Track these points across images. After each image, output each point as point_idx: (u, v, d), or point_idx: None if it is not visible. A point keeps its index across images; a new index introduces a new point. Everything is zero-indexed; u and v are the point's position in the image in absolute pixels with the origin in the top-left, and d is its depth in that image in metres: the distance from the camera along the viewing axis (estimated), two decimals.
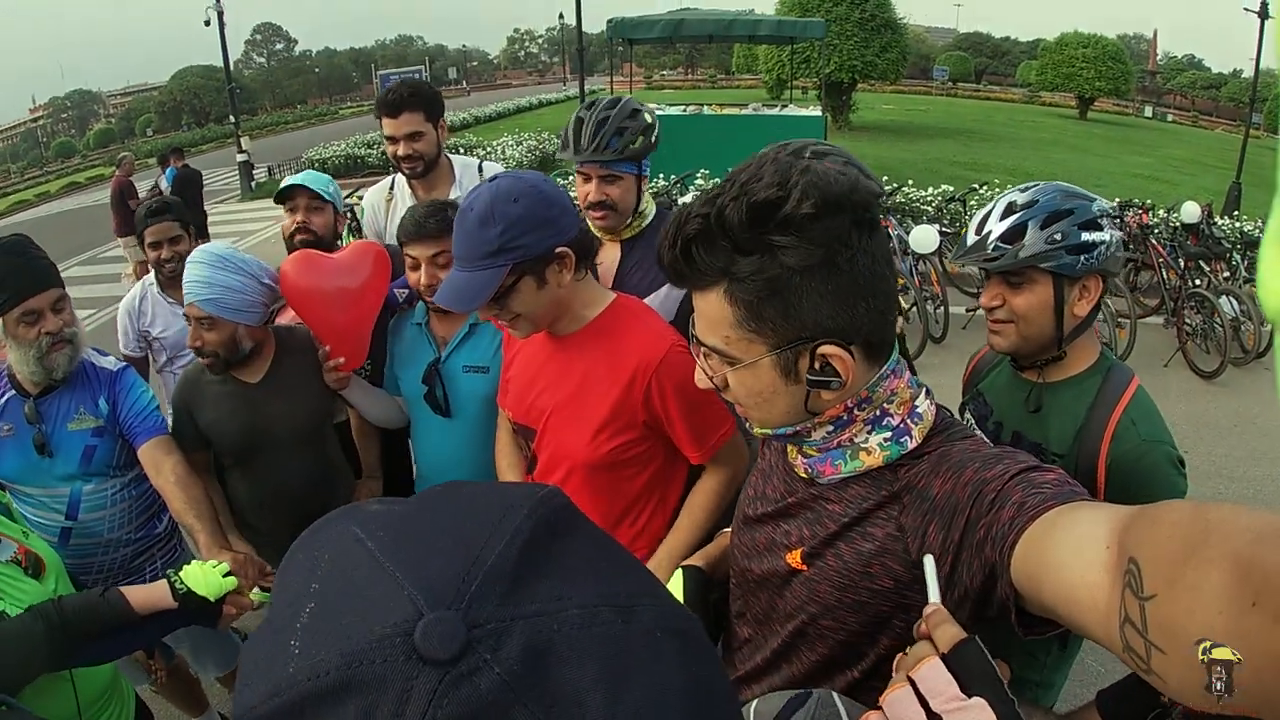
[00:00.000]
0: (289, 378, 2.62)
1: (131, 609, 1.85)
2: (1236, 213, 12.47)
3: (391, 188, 3.40)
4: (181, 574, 1.92)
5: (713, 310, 1.11)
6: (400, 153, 3.11)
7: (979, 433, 1.51)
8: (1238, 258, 8.86)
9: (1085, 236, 1.73)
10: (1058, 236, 1.74)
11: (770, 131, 16.04)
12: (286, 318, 2.87)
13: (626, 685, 0.45)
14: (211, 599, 1.91)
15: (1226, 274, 8.40)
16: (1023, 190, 1.85)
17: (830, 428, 1.17)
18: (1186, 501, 0.77)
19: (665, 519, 2.08)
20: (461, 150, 16.41)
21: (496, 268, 1.75)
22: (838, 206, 1.03)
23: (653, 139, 2.40)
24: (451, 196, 3.17)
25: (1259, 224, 9.95)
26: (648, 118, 2.39)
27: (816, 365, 1.09)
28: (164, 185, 12.42)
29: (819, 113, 17.44)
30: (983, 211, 1.89)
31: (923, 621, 0.94)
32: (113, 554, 2.58)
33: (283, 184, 3.05)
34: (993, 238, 1.82)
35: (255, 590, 2.13)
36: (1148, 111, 53.59)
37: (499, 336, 2.37)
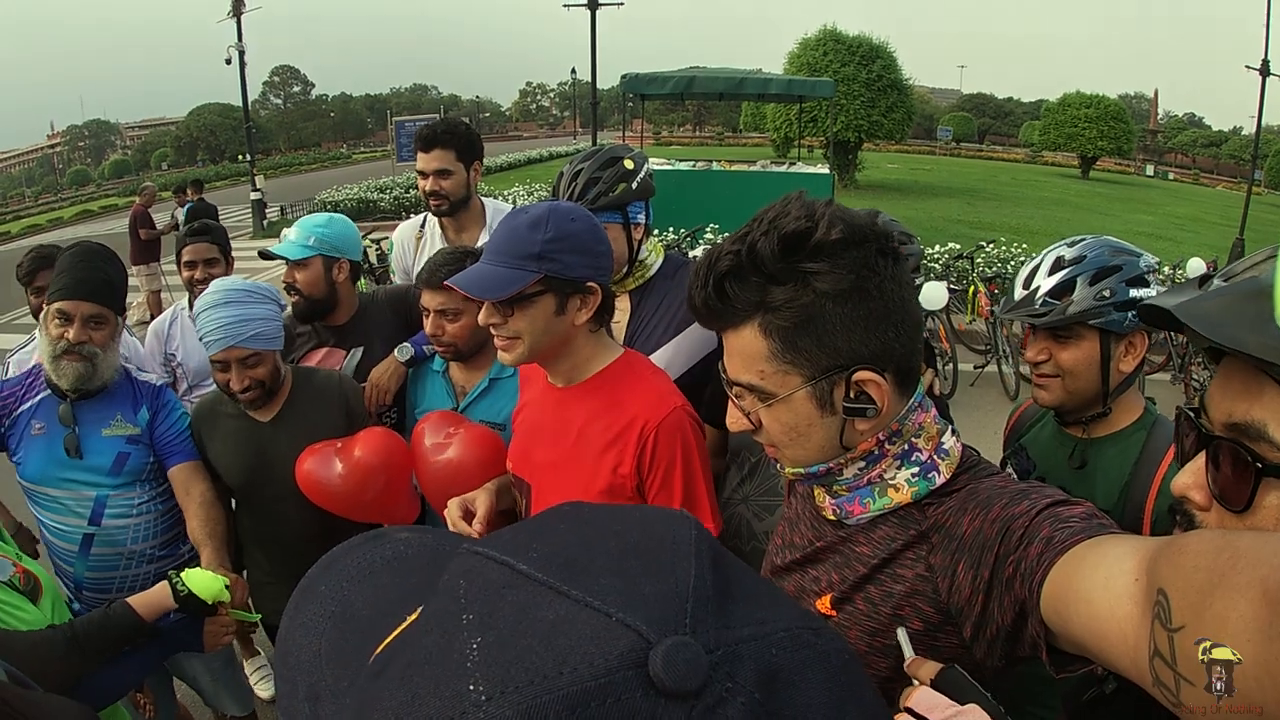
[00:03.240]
0: (302, 419, 2.56)
1: (140, 616, 1.88)
2: None
3: (423, 226, 3.41)
4: (183, 575, 1.96)
5: (747, 345, 1.13)
6: (427, 188, 3.14)
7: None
8: None
9: (1133, 293, 1.73)
10: (1106, 293, 1.73)
11: (779, 188, 15.80)
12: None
13: (846, 708, 0.43)
14: (208, 601, 1.94)
15: None
16: (1070, 245, 1.84)
17: (862, 463, 1.18)
18: (1215, 530, 0.78)
19: None
20: None
21: (529, 271, 1.70)
22: (863, 236, 1.08)
23: (635, 185, 2.28)
24: (481, 240, 3.19)
25: None
26: (628, 164, 2.29)
27: (852, 394, 1.12)
28: (180, 218, 12.44)
29: (826, 171, 17.61)
30: (1030, 265, 1.88)
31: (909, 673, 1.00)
32: (135, 569, 2.54)
33: (266, 249, 2.91)
34: (1041, 293, 1.80)
35: (237, 610, 2.14)
36: (1149, 170, 54.06)
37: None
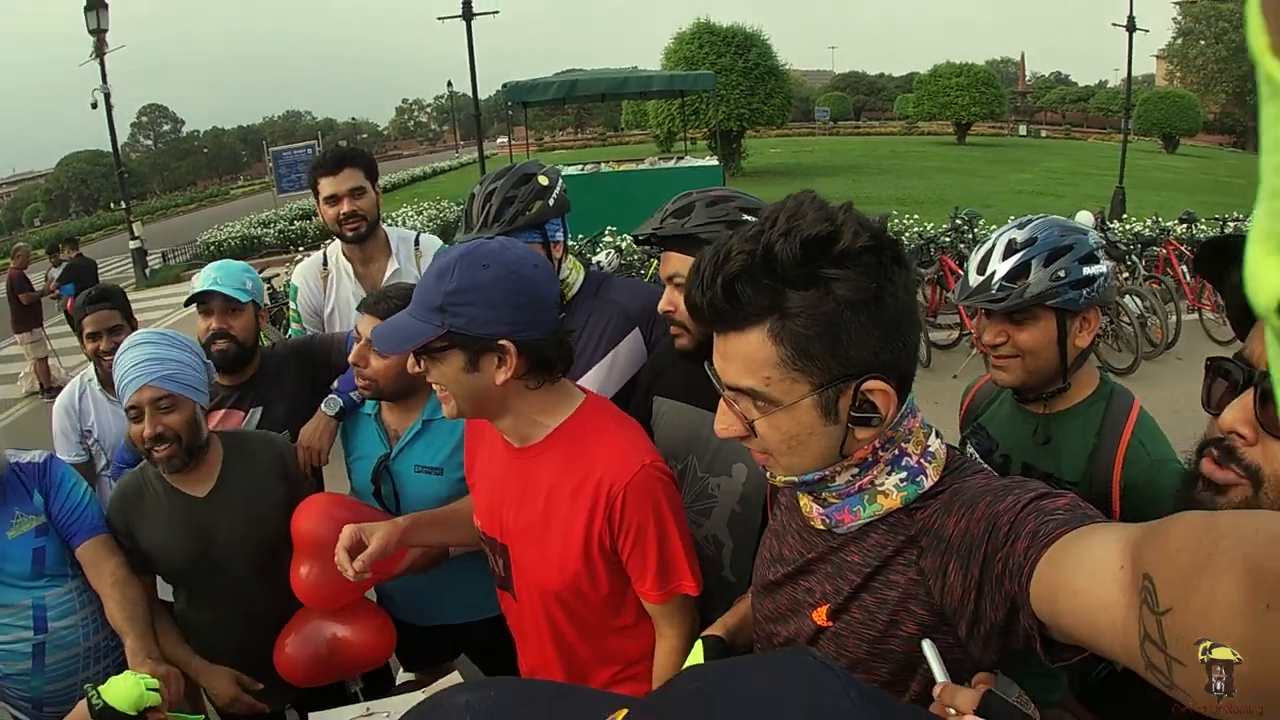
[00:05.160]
0: (241, 489, 2.34)
1: None
2: (1124, 215, 13.20)
3: (325, 263, 3.22)
4: (101, 688, 1.80)
5: (753, 350, 1.08)
6: (344, 210, 2.98)
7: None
8: (1135, 258, 9.52)
9: (1086, 270, 1.75)
10: (1061, 273, 1.75)
11: (670, 183, 16.18)
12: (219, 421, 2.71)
13: None
14: (132, 713, 1.79)
15: (1126, 274, 9.06)
16: (1019, 227, 1.86)
17: (855, 470, 1.16)
18: (1196, 512, 0.78)
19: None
20: None
21: (431, 325, 1.56)
22: (880, 241, 1.05)
23: (551, 201, 2.21)
24: (389, 269, 3.12)
25: (1149, 224, 10.77)
26: (542, 180, 2.21)
27: (857, 402, 1.09)
28: (54, 276, 11.90)
29: (715, 162, 17.79)
30: (981, 250, 1.88)
31: (938, 701, 0.99)
32: (94, 668, 2.31)
33: (196, 288, 2.72)
34: (997, 278, 1.80)
35: (175, 713, 1.95)
36: (1022, 130, 56.53)
37: (455, 436, 2.19)
